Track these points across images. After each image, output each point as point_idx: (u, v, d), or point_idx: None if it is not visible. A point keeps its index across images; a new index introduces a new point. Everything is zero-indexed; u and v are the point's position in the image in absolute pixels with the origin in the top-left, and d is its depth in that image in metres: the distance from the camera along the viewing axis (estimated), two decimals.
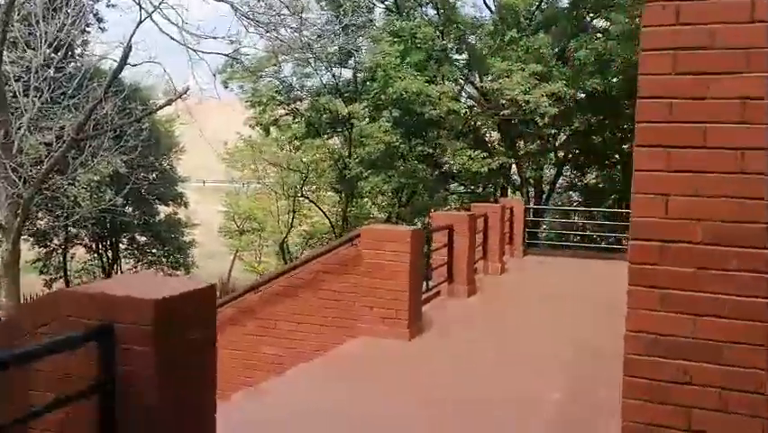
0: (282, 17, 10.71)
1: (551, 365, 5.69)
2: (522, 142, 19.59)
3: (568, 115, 16.85)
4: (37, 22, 12.00)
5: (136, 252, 25.59)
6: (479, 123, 18.62)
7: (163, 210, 25.82)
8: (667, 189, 2.54)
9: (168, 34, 10.23)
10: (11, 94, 12.03)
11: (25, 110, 12.07)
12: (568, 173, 22.60)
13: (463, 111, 15.61)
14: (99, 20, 17.83)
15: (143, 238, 25.37)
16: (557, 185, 22.00)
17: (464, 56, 17.99)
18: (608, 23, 16.59)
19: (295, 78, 18.25)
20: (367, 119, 15.73)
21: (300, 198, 19.40)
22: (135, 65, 10.41)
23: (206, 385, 3.14)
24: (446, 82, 16.08)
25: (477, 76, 18.29)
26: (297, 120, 18.65)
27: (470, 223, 8.54)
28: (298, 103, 18.50)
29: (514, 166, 20.00)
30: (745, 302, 2.44)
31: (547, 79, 15.42)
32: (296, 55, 14.01)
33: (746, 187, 2.41)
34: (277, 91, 17.93)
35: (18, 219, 12.58)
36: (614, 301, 8.02)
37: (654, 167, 2.57)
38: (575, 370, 5.55)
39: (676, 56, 2.49)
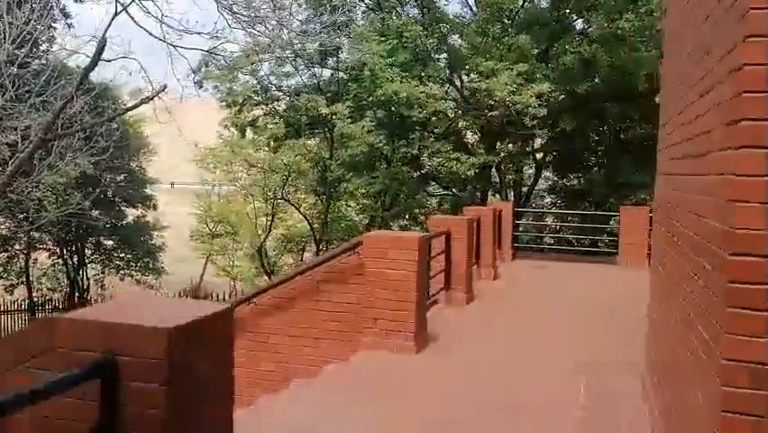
0: (264, 12, 10.21)
1: (569, 371, 5.49)
2: (502, 144, 19.36)
3: (552, 117, 16.67)
4: (0, 15, 11.29)
5: (103, 256, 24.68)
6: (461, 124, 18.31)
7: (131, 213, 24.99)
8: None
9: (144, 29, 9.65)
10: None
11: None
12: (548, 175, 22.49)
13: (449, 112, 15.27)
14: (66, 15, 17.06)
15: (110, 242, 24.50)
16: (536, 187, 21.86)
17: (446, 56, 17.66)
18: (588, 26, 16.46)
19: (273, 78, 17.74)
20: (349, 119, 15.27)
21: (279, 201, 18.81)
22: (110, 60, 9.82)
23: (222, 425, 2.70)
24: (431, 83, 15.73)
25: (460, 76, 17.98)
26: (275, 120, 18.09)
27: (468, 227, 8.18)
28: (276, 103, 17.97)
29: (493, 168, 19.77)
30: None
31: (532, 80, 15.21)
32: (276, 53, 13.48)
33: None
34: (254, 91, 17.38)
35: None
36: (613, 306, 8.00)
37: (761, 171, 2.20)
38: (594, 374, 5.33)
39: None
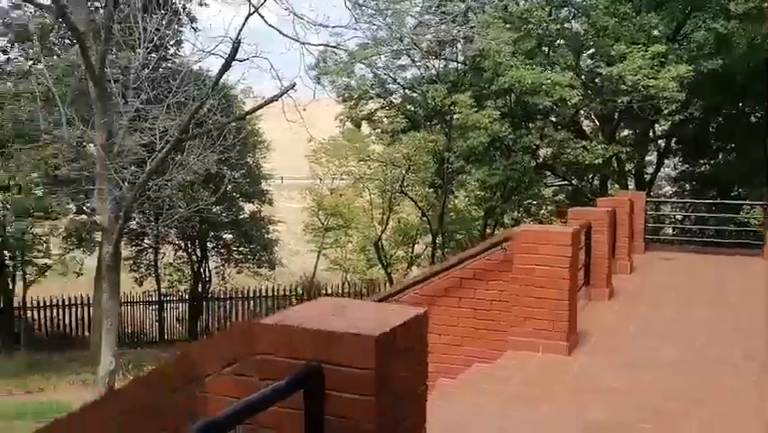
0: (384, 4, 10.09)
1: (736, 366, 5.12)
2: (625, 131, 18.34)
3: (685, 100, 15.53)
4: (135, 22, 11.88)
5: (222, 250, 25.72)
6: (583, 111, 17.48)
7: (248, 208, 25.84)
8: None
9: (275, 28, 9.79)
10: (111, 96, 11.96)
11: (125, 112, 11.99)
12: (671, 162, 21.17)
13: (575, 99, 14.56)
14: (192, 19, 17.79)
15: (229, 236, 25.47)
16: (661, 174, 20.61)
17: (570, 41, 16.84)
18: (728, 1, 15.10)
19: (390, 71, 17.65)
20: (472, 108, 14.86)
21: (396, 194, 18.76)
22: (243, 60, 10.06)
23: None
24: (558, 69, 15.04)
25: (587, 60, 17.08)
26: (392, 113, 18.02)
27: (609, 219, 7.71)
28: (392, 96, 17.88)
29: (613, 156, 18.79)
30: None
31: (666, 62, 14.18)
32: (395, 46, 13.37)
33: None
34: (371, 84, 17.37)
35: (120, 221, 12.54)
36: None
37: None
38: None
39: None
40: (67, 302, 20.36)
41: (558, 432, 4.03)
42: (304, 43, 9.93)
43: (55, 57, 16.09)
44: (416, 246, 22.33)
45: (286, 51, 10.14)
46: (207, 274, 24.98)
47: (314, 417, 2.21)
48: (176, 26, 14.85)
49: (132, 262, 23.38)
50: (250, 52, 10.36)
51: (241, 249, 25.57)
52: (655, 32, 14.94)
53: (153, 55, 12.92)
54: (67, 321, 20.68)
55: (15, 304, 19.80)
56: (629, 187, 19.29)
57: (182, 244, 24.46)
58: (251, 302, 22.53)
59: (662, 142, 20.48)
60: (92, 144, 13.91)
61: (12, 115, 15.33)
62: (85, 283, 20.08)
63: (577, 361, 5.40)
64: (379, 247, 19.32)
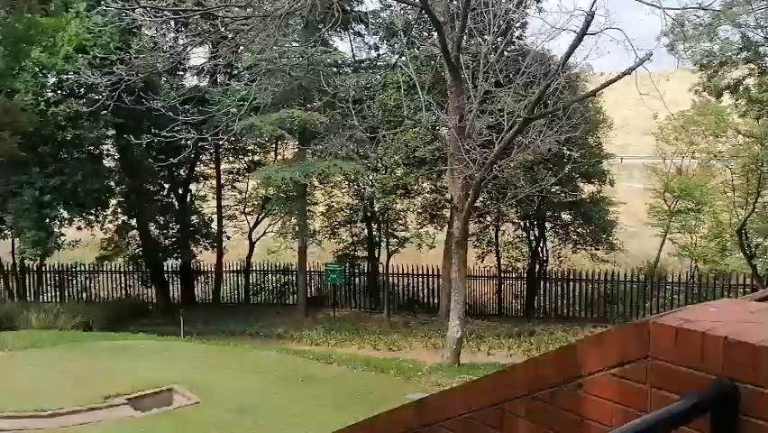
0: None
1: None
2: None
3: None
4: (486, 8, 12.31)
5: (560, 230, 25.52)
6: None
7: (587, 189, 25.10)
8: None
9: None
10: (464, 81, 12.64)
11: (474, 95, 12.57)
12: None
13: None
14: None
15: (568, 217, 25.10)
16: None
17: None
18: None
19: (764, 30, 15.17)
20: None
21: (766, 176, 16.20)
22: (594, 34, 9.63)
23: None
24: None
25: None
26: (766, 80, 15.51)
27: None
28: (764, 61, 15.36)
29: None
30: None
31: None
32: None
33: None
34: (739, 48, 15.17)
35: (468, 199, 13.28)
36: None
37: None
38: None
39: None
40: (420, 272, 22.60)
41: None
42: (664, 9, 9.03)
43: (416, 49, 17.74)
44: None
45: (644, 18, 9.34)
46: (545, 254, 25.08)
47: None
48: (523, 8, 15.00)
49: (475, 238, 24.72)
50: (601, 25, 9.83)
51: (579, 230, 25.03)
52: None
53: (500, 39, 13.24)
54: (419, 289, 22.98)
55: (380, 271, 22.70)
56: None
57: (521, 223, 24.94)
58: (590, 285, 22.09)
59: None
60: (445, 127, 14.97)
61: (381, 104, 17.53)
62: (434, 256, 22.03)
63: None
64: (741, 235, 16.93)
